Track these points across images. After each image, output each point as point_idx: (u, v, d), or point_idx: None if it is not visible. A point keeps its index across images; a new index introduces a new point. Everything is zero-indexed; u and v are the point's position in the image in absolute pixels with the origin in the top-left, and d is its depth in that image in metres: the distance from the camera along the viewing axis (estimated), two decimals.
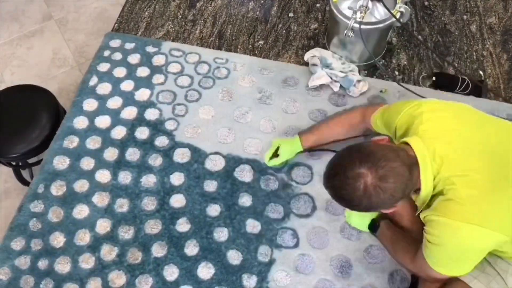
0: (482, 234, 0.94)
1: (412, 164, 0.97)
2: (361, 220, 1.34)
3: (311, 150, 1.46)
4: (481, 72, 1.67)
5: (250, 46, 1.81)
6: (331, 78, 1.61)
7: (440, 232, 0.98)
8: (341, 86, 1.62)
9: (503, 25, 1.80)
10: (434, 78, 1.65)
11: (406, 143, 1.02)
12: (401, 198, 0.98)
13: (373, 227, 1.32)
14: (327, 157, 1.50)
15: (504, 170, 0.99)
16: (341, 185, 0.98)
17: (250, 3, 1.94)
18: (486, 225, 0.94)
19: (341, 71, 1.61)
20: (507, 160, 1.00)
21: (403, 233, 1.24)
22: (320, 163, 1.49)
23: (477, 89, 1.61)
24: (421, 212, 1.05)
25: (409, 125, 1.07)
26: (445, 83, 1.64)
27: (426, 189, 0.99)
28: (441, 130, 1.03)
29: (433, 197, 1.01)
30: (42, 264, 1.39)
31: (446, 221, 0.96)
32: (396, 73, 1.70)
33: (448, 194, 0.96)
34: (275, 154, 1.44)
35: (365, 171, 0.93)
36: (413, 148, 0.99)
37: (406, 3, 1.56)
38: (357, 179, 0.94)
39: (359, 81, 1.60)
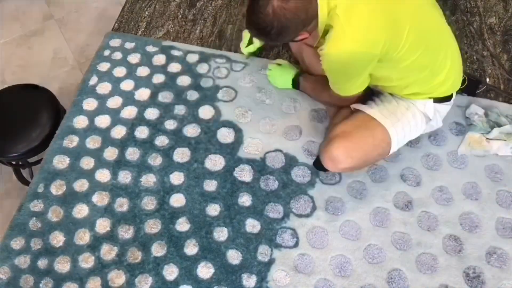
0: (354, 50, 1.14)
1: None
2: (284, 78, 1.60)
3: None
4: (487, 79, 1.66)
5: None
6: None
7: (325, 59, 1.20)
8: None
9: (503, 25, 1.80)
10: None
11: None
12: (305, 22, 1.15)
13: (296, 85, 1.59)
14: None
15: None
16: (253, 13, 1.14)
17: None
18: (356, 44, 1.14)
19: None
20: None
21: (319, 79, 1.43)
22: None
23: (474, 86, 1.62)
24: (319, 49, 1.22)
25: None
26: None
27: (321, 15, 1.15)
28: None
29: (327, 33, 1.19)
30: (42, 263, 1.39)
31: (327, 51, 1.17)
32: None
33: (332, 27, 1.15)
34: (251, 42, 1.64)
35: None
36: None
37: None
38: (266, 4, 1.10)
39: None
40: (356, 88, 1.30)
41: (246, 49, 1.65)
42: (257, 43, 1.63)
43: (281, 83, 1.63)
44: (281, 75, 1.62)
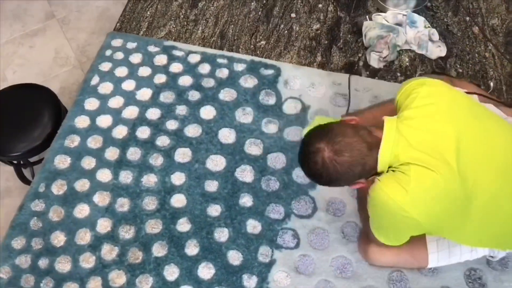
0: (403, 216, 1.00)
1: (374, 143, 1.03)
2: None
3: None
4: (490, 83, 1.65)
5: (252, 46, 1.81)
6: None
7: (374, 199, 1.05)
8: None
9: (506, 26, 1.80)
10: None
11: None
12: (361, 174, 1.05)
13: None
14: None
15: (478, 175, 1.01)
16: (304, 160, 1.08)
17: (252, 3, 1.94)
18: (412, 211, 0.99)
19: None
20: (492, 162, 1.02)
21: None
22: None
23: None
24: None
25: (402, 104, 1.11)
26: None
27: (381, 165, 1.04)
28: (422, 121, 1.04)
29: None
30: (43, 263, 1.39)
31: (379, 193, 1.02)
32: (398, 74, 1.69)
33: (398, 171, 1.01)
34: None
35: (322, 146, 1.02)
36: (384, 127, 1.04)
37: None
38: (316, 154, 1.03)
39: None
40: (396, 240, 1.14)
41: None
42: None
43: None
44: None
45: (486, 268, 1.30)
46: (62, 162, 1.55)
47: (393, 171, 1.03)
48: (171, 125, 1.60)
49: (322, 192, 1.44)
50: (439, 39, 1.75)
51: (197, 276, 1.34)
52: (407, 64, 1.72)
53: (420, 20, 1.76)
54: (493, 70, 1.68)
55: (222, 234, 1.40)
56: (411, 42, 1.74)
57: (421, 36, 1.72)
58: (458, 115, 1.05)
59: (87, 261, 1.38)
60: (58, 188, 1.51)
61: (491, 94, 1.61)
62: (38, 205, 1.48)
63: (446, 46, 1.73)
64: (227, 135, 1.57)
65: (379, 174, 1.06)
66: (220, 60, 1.75)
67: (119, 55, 1.79)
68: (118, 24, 1.93)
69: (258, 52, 1.79)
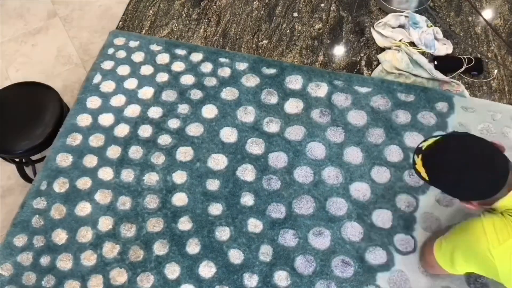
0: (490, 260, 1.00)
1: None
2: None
3: None
4: (492, 82, 1.66)
5: (254, 45, 1.81)
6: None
7: (475, 222, 1.04)
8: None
9: (509, 26, 1.79)
10: (435, 62, 1.66)
11: None
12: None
13: None
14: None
15: None
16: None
17: (255, 2, 1.94)
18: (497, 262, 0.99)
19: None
20: None
21: None
22: (321, 165, 1.49)
23: (480, 64, 1.66)
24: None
25: None
26: (446, 65, 1.67)
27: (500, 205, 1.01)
28: None
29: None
30: (44, 260, 1.39)
31: (487, 223, 1.01)
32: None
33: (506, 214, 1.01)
34: None
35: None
36: None
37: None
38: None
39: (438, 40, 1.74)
40: (455, 264, 1.11)
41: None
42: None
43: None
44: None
45: None
46: (64, 160, 1.55)
47: (502, 214, 1.01)
48: (173, 123, 1.61)
49: (323, 192, 1.44)
50: (443, 37, 1.75)
51: (198, 275, 1.34)
52: None
53: (422, 20, 1.76)
54: (496, 70, 1.68)
55: (223, 233, 1.40)
56: (418, 43, 1.74)
57: (426, 35, 1.71)
58: None
59: (89, 259, 1.39)
60: (60, 186, 1.51)
61: (491, 92, 1.61)
62: (39, 203, 1.48)
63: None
64: (228, 134, 1.57)
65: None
66: (222, 59, 1.75)
67: (121, 54, 1.79)
68: (120, 22, 1.93)
69: (260, 51, 1.79)
